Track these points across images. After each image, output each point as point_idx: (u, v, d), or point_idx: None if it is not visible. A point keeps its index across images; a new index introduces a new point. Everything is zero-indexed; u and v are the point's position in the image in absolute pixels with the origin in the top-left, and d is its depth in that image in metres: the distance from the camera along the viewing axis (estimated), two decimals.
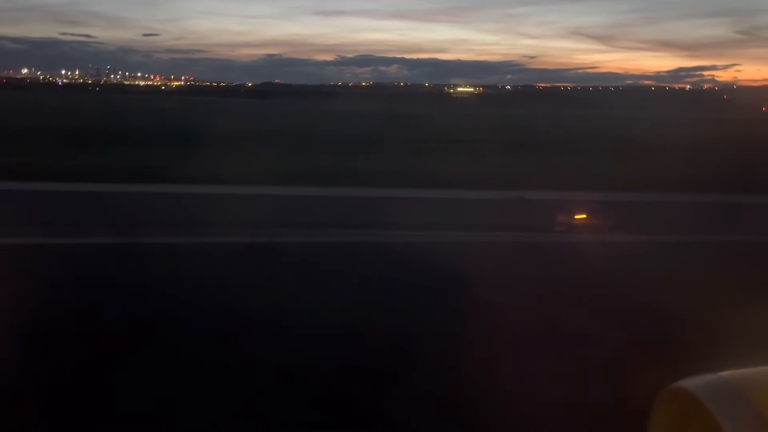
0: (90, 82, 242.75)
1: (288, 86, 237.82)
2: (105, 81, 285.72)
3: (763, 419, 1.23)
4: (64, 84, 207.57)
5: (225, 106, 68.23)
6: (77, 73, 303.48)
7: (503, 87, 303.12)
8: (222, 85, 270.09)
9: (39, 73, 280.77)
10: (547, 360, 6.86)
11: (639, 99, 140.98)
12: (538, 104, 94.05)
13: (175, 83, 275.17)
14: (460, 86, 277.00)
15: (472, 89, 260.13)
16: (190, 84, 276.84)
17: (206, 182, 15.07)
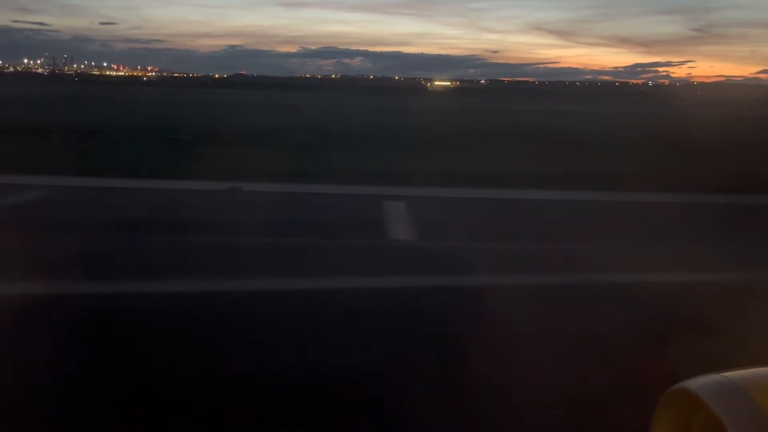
0: (73, 72, 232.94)
1: (268, 78, 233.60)
2: (66, 70, 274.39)
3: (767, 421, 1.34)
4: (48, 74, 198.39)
5: (283, 100, 61.66)
6: (39, 62, 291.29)
7: (477, 81, 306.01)
8: (192, 76, 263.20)
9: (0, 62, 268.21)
10: None
11: (625, 95, 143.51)
12: (546, 100, 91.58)
13: (148, 74, 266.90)
14: (436, 80, 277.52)
15: (448, 83, 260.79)
16: (158, 75, 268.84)
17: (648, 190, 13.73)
